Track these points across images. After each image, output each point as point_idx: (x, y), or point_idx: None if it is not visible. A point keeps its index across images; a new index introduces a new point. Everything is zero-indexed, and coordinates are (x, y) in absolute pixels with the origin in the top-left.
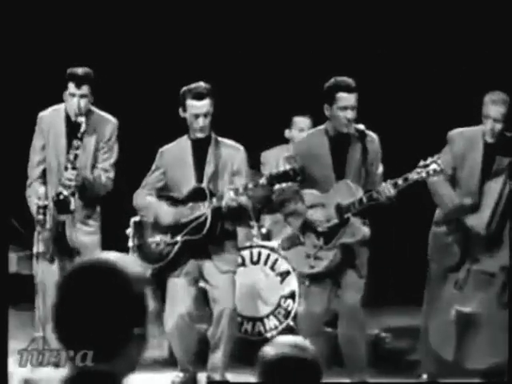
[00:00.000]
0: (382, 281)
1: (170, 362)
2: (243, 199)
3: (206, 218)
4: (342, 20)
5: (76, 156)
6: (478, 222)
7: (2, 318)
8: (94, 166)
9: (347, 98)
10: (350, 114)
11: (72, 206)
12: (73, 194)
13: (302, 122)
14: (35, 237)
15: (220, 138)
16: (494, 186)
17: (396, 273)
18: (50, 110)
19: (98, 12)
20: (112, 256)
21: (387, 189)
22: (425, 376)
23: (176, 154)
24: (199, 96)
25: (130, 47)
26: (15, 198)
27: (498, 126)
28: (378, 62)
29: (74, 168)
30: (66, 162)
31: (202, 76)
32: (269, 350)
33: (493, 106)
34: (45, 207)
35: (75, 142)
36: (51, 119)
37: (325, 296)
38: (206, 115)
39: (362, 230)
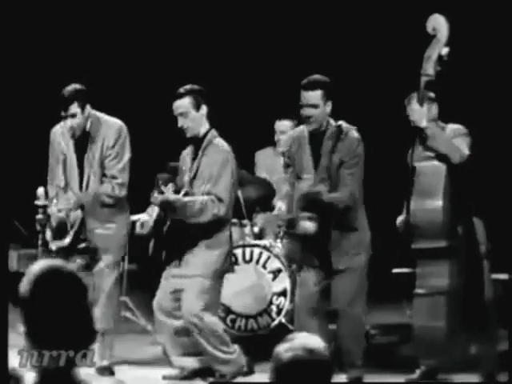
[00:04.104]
0: (371, 277)
1: (164, 359)
2: (169, 196)
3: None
4: (331, 24)
5: (66, 184)
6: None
7: (2, 314)
8: (104, 175)
9: (304, 96)
10: (306, 112)
11: (67, 240)
12: (69, 222)
13: (282, 125)
14: (40, 237)
15: (216, 139)
16: None
17: (385, 269)
18: (59, 125)
19: (101, 21)
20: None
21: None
22: (418, 371)
23: (185, 155)
24: (175, 96)
25: (130, 52)
26: (16, 198)
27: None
28: (367, 65)
29: (62, 196)
30: (58, 189)
31: (199, 79)
32: (282, 352)
33: (409, 107)
34: (44, 207)
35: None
36: (60, 135)
37: (306, 288)
38: (181, 114)
39: (302, 224)
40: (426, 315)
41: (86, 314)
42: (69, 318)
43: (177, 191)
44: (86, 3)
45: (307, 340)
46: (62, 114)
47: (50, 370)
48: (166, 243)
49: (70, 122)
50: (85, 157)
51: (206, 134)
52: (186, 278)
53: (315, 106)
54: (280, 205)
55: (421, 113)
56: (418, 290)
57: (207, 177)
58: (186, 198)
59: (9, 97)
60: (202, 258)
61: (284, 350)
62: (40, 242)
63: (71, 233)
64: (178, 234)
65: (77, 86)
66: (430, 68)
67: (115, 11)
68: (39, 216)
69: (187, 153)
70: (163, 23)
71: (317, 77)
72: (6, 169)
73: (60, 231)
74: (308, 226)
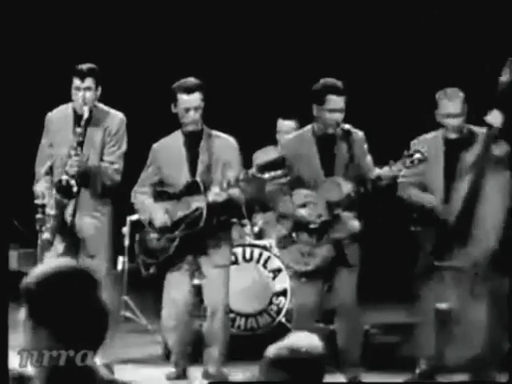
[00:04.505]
0: (371, 277)
1: (164, 358)
2: (235, 191)
3: (201, 212)
4: (333, 23)
5: (79, 143)
6: (448, 215)
7: (2, 314)
8: (101, 160)
9: (336, 101)
10: (339, 116)
11: (74, 189)
12: (74, 178)
13: (285, 125)
14: (39, 237)
15: (213, 131)
16: (462, 185)
17: (385, 269)
18: (57, 109)
19: (98, 13)
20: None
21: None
22: (417, 371)
23: (169, 149)
24: (189, 90)
25: (126, 46)
26: (15, 197)
27: (458, 122)
28: (363, 63)
29: (76, 155)
30: (70, 150)
31: (195, 75)
32: (269, 351)
33: (451, 103)
34: (43, 206)
35: (78, 129)
36: (59, 118)
37: (316, 292)
38: (196, 109)
39: (350, 224)
40: (495, 318)
41: (99, 310)
42: (82, 316)
43: None
44: None
45: (297, 339)
46: (77, 83)
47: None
48: (192, 239)
49: (82, 93)
50: (84, 140)
51: (202, 127)
52: (214, 268)
53: (344, 111)
54: (303, 211)
55: (499, 117)
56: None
57: (222, 164)
58: (232, 191)
59: (8, 97)
60: (224, 250)
61: (271, 348)
62: (39, 215)
63: (75, 188)
64: (206, 230)
65: (92, 64)
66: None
67: (114, 8)
68: (39, 216)
69: (170, 146)
70: (165, 20)
71: (339, 81)
72: (6, 169)
73: (66, 191)
74: (355, 224)
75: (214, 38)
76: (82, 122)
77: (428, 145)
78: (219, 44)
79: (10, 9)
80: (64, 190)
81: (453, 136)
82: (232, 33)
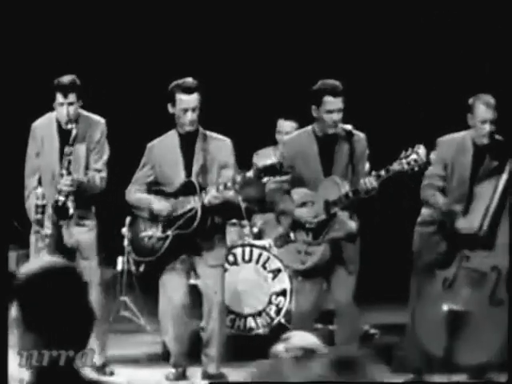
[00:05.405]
0: (371, 277)
1: (163, 359)
2: (230, 193)
3: (196, 212)
4: (329, 23)
5: (70, 162)
6: (469, 225)
7: (2, 314)
8: (87, 168)
9: (333, 102)
10: (336, 117)
11: (71, 211)
12: (70, 200)
13: (286, 125)
14: (32, 238)
15: (207, 132)
16: (485, 189)
17: (385, 269)
18: (42, 119)
19: (82, 10)
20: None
21: (369, 182)
22: (411, 376)
23: (164, 149)
24: (188, 90)
25: (118, 44)
26: (14, 197)
27: (493, 128)
28: (365, 64)
29: (69, 174)
30: (61, 169)
31: (196, 76)
32: (283, 353)
33: (489, 109)
34: (43, 206)
35: (67, 149)
36: (44, 128)
37: (315, 292)
38: (194, 109)
39: (348, 224)
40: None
41: (85, 310)
42: (68, 316)
43: None
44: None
45: (305, 340)
46: (60, 100)
47: (47, 370)
48: (188, 239)
49: (66, 109)
50: (71, 151)
51: (197, 128)
52: (209, 268)
53: (341, 111)
54: (301, 211)
55: None
56: None
57: (217, 165)
58: (228, 194)
59: (8, 98)
60: (218, 251)
61: (283, 350)
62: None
63: (71, 210)
64: (199, 231)
65: (74, 76)
66: None
67: (106, 6)
68: (38, 216)
69: (166, 146)
70: (161, 18)
71: (336, 82)
72: (6, 169)
73: (63, 212)
74: (353, 224)
75: (214, 39)
76: (71, 141)
77: (456, 146)
78: (220, 45)
79: None
80: (61, 211)
81: (485, 141)
82: (233, 33)
